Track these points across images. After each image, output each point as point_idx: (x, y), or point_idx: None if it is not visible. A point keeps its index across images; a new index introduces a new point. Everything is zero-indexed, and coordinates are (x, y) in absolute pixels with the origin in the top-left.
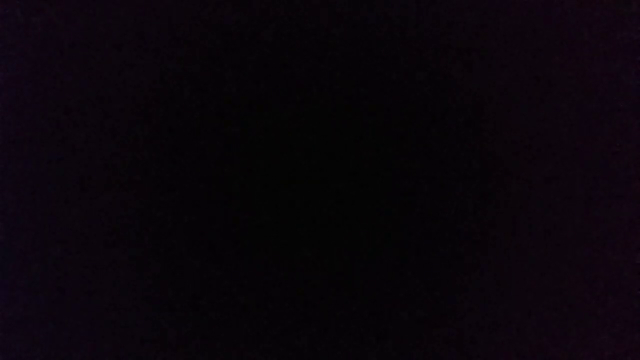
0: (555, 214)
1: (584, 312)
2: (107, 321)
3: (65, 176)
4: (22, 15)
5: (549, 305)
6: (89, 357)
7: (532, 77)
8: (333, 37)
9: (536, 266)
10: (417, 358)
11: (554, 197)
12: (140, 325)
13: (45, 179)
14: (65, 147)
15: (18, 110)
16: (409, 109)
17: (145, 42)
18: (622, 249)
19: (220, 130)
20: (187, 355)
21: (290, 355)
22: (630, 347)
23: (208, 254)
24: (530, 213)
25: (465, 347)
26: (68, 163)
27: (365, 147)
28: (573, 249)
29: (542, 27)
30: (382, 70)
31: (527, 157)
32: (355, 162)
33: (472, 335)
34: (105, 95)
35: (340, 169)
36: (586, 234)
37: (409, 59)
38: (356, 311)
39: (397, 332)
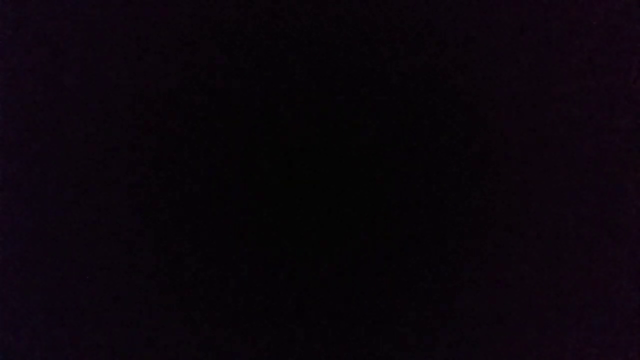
0: (555, 213)
1: (584, 312)
2: (107, 321)
3: (65, 176)
4: (23, 15)
5: (548, 305)
6: (89, 357)
7: (532, 76)
8: (332, 37)
9: (536, 266)
10: (417, 358)
11: (554, 196)
12: (140, 325)
13: (45, 178)
14: (65, 146)
15: (18, 110)
16: (408, 109)
17: (145, 43)
18: (622, 249)
19: (220, 131)
20: (187, 355)
21: (289, 355)
22: (631, 347)
23: (208, 254)
24: (530, 213)
25: (464, 347)
26: (68, 163)
27: (365, 147)
28: (573, 248)
29: (542, 27)
30: (381, 70)
31: (527, 156)
32: (354, 162)
33: (472, 335)
34: (105, 96)
35: (340, 169)
36: (586, 234)
37: (408, 58)
38: (355, 311)
39: (397, 332)
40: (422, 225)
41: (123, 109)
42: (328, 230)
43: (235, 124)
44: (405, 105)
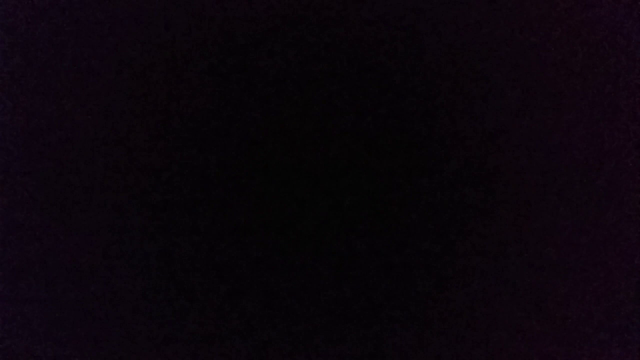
0: (555, 213)
1: (584, 312)
2: (108, 321)
3: (65, 176)
4: (23, 15)
5: (548, 305)
6: (89, 357)
7: (532, 77)
8: (332, 37)
9: (536, 266)
10: (417, 358)
11: (554, 197)
12: (141, 326)
13: (45, 178)
14: (65, 146)
15: (18, 110)
16: (408, 110)
17: (146, 43)
18: (622, 249)
19: (221, 131)
20: (187, 355)
21: (289, 355)
22: (631, 347)
23: (209, 254)
24: (530, 213)
25: (464, 347)
26: (68, 163)
27: (365, 147)
28: (573, 248)
29: (542, 27)
30: (381, 70)
31: (527, 156)
32: (354, 162)
33: (471, 335)
34: (105, 96)
35: (340, 169)
36: (586, 234)
37: (408, 58)
38: (355, 311)
39: (397, 333)
40: (421, 226)
41: (123, 109)
42: (328, 231)
43: (235, 124)
44: (404, 106)
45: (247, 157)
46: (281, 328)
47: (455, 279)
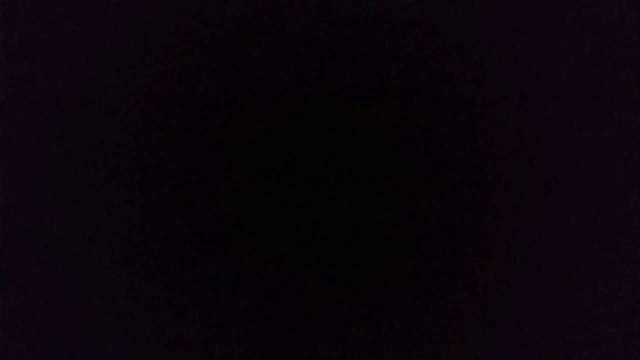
0: (555, 213)
1: (584, 312)
2: (107, 321)
3: (65, 176)
4: (23, 15)
5: (548, 305)
6: (89, 357)
7: (532, 76)
8: (332, 37)
9: (536, 266)
10: (417, 358)
11: (554, 197)
12: (140, 326)
13: (45, 178)
14: (65, 146)
15: (18, 110)
16: (408, 109)
17: (145, 42)
18: (622, 249)
19: (221, 131)
20: (187, 355)
21: (290, 356)
22: (631, 347)
23: (209, 255)
24: (530, 213)
25: (465, 347)
26: (68, 162)
27: (365, 147)
28: (573, 249)
29: (542, 27)
30: (381, 69)
31: (527, 156)
32: (354, 162)
33: (472, 336)
34: (105, 97)
35: (340, 169)
36: (586, 234)
37: (408, 58)
38: (356, 312)
39: (397, 333)
40: (421, 226)
41: (123, 110)
42: (328, 231)
43: (235, 125)
44: (405, 106)
45: (247, 158)
46: (281, 329)
47: (455, 279)
